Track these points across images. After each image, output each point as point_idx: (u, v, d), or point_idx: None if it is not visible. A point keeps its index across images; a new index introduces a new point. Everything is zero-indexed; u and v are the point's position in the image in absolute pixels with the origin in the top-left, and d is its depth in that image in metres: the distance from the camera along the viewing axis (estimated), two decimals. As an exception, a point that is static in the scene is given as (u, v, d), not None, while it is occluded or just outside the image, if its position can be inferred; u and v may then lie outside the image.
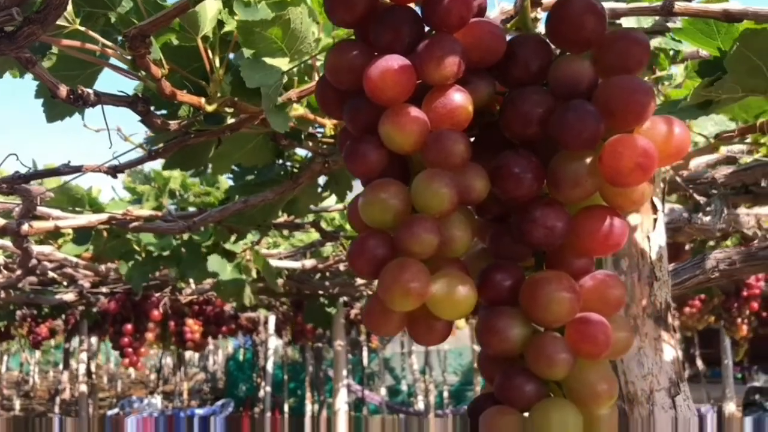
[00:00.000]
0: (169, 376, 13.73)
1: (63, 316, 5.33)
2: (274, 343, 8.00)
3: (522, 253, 0.61)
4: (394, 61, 0.55)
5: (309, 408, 8.74)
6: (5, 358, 11.31)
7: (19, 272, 1.80)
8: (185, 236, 1.94)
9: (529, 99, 0.57)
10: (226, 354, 13.84)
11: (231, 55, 1.09)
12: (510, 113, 0.58)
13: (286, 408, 10.06)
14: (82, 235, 1.75)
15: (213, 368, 14.16)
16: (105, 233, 1.88)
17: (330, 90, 0.61)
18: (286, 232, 2.56)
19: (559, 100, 0.57)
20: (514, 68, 0.59)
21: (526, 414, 0.56)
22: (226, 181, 2.01)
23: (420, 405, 10.27)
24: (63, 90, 0.84)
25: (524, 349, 0.57)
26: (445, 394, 10.42)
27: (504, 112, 0.59)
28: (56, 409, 9.31)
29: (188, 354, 12.58)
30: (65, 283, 2.28)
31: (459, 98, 0.56)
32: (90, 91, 0.86)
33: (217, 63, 1.03)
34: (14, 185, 1.17)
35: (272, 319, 7.52)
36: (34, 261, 1.56)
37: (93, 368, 7.24)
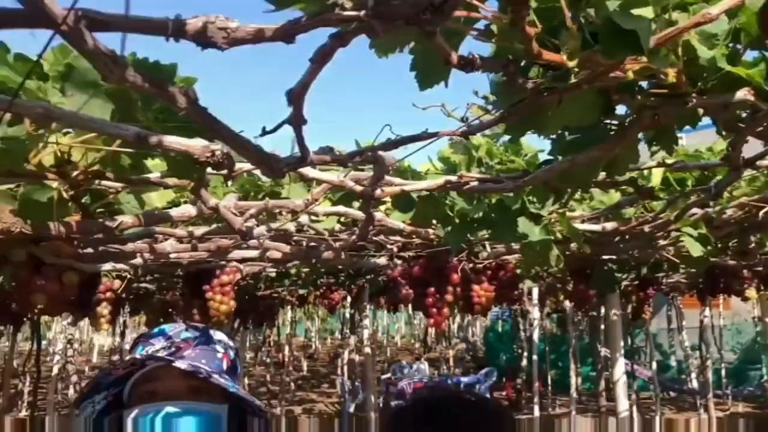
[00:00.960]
0: (432, 345, 14.44)
1: (351, 286, 5.87)
2: (537, 314, 8.01)
3: None
4: None
5: (573, 380, 8.61)
6: (294, 325, 12.75)
7: (354, 237, 2.02)
8: (494, 201, 2.02)
9: None
10: (483, 325, 14.17)
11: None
12: None
13: (548, 380, 10.04)
14: (404, 203, 1.91)
15: (473, 339, 14.59)
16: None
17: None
18: (577, 196, 2.54)
19: None
20: None
21: None
22: (528, 147, 2.05)
23: (693, 383, 9.59)
24: (455, 56, 0.92)
25: None
26: (722, 372, 9.62)
27: None
28: (338, 371, 10.26)
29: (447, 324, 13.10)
30: (374, 248, 2.52)
31: None
32: (477, 55, 0.94)
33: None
34: (377, 152, 1.31)
35: (535, 291, 7.53)
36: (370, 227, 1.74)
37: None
